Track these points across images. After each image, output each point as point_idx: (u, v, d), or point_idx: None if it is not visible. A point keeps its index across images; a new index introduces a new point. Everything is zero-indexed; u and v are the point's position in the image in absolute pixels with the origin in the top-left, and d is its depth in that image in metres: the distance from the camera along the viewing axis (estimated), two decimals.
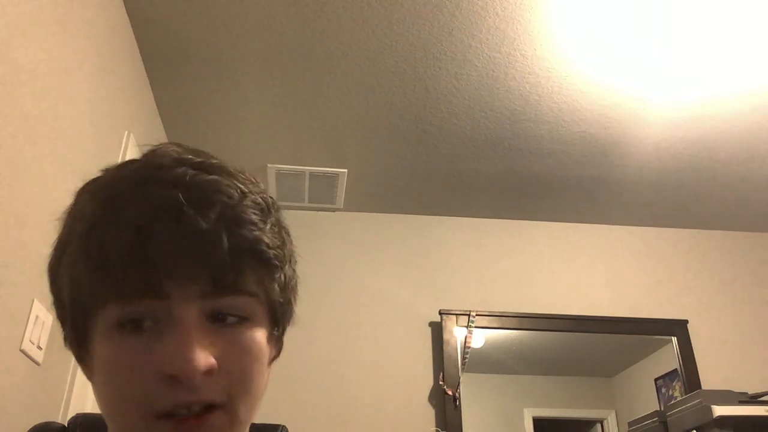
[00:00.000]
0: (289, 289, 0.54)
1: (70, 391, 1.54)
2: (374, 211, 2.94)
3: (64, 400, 1.52)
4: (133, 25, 1.92)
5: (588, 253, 2.96)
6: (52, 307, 0.53)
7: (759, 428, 2.03)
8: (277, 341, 0.55)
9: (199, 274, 0.47)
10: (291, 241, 0.55)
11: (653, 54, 2.04)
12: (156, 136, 2.30)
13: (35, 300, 1.30)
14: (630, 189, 2.76)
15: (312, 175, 2.65)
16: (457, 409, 2.52)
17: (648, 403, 2.78)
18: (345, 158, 2.58)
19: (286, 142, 2.48)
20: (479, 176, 2.68)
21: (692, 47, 2.01)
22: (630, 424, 2.48)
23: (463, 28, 1.96)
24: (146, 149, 0.53)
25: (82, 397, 1.59)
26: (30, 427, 0.60)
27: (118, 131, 1.85)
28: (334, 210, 2.92)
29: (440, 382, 2.57)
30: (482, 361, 2.69)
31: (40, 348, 1.33)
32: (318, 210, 2.90)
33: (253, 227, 0.49)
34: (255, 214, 0.50)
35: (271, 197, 0.53)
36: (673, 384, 2.73)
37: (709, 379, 2.68)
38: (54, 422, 0.62)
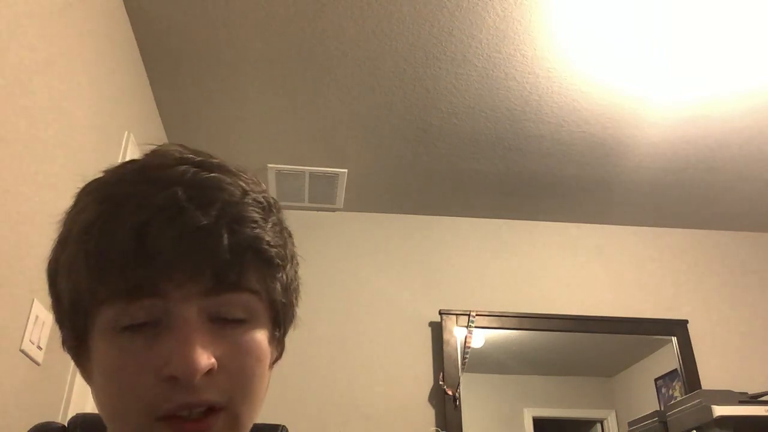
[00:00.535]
0: (290, 290, 0.54)
1: (70, 391, 1.54)
2: (374, 211, 2.94)
3: (64, 400, 1.52)
4: (133, 25, 1.92)
5: (588, 253, 2.96)
6: (52, 309, 0.53)
7: (759, 428, 2.03)
8: (278, 343, 0.54)
9: (200, 271, 0.46)
10: (293, 243, 0.54)
11: (653, 54, 2.04)
12: (156, 136, 2.30)
13: (35, 300, 1.30)
14: (630, 189, 2.76)
15: (312, 175, 2.65)
16: (457, 409, 2.52)
17: (648, 403, 2.78)
18: (345, 158, 2.58)
19: (286, 142, 2.47)
20: (479, 176, 2.68)
21: (692, 47, 2.01)
22: (630, 424, 2.48)
23: (463, 28, 1.96)
24: (148, 150, 0.53)
25: (82, 397, 1.59)
26: (30, 427, 0.59)
27: (118, 131, 1.85)
28: (334, 210, 2.92)
29: (440, 382, 2.57)
30: (482, 361, 2.69)
31: (40, 348, 1.33)
32: (318, 210, 2.90)
33: (254, 225, 0.48)
34: (256, 212, 0.49)
35: (272, 197, 0.53)
36: (673, 384, 2.73)
37: (709, 379, 2.68)
38: (54, 422, 0.62)
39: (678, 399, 2.45)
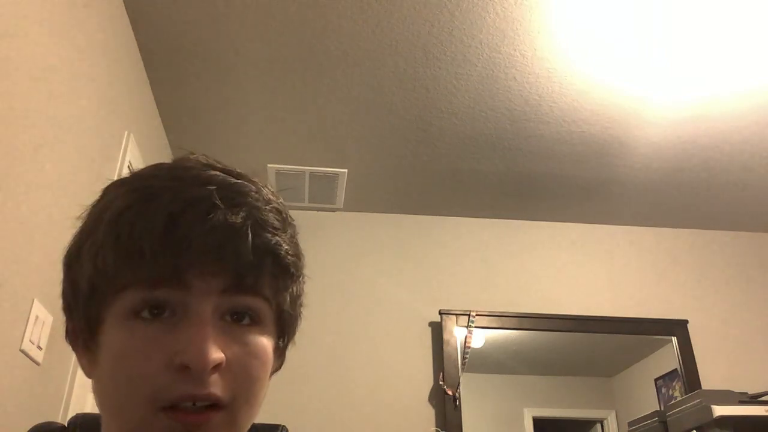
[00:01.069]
0: (297, 303, 0.56)
1: (70, 391, 1.54)
2: (374, 211, 2.94)
3: (64, 400, 1.52)
4: (133, 25, 1.92)
5: (588, 253, 2.96)
6: (62, 296, 0.54)
7: (759, 428, 2.03)
8: (280, 354, 0.56)
9: (222, 269, 0.48)
10: (303, 259, 0.56)
11: (653, 54, 2.04)
12: (156, 136, 2.30)
13: (35, 300, 1.30)
14: (630, 189, 2.76)
15: (312, 175, 2.65)
16: (457, 409, 2.52)
17: (648, 403, 2.78)
18: (345, 158, 2.58)
19: (286, 142, 2.47)
20: (479, 176, 2.68)
21: (692, 47, 2.01)
22: (630, 424, 2.48)
23: (463, 28, 1.96)
24: (174, 158, 0.56)
25: (82, 397, 1.59)
26: (30, 427, 0.59)
27: (118, 131, 1.85)
28: (334, 210, 2.92)
29: (440, 382, 2.57)
30: (482, 361, 2.69)
31: (40, 348, 1.33)
32: (318, 210, 2.90)
33: (275, 231, 0.51)
34: (277, 220, 0.52)
35: (288, 212, 0.55)
36: (673, 384, 2.73)
37: (709, 379, 2.68)
38: (54, 422, 0.62)
39: (678, 399, 2.45)
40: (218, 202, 0.48)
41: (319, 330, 2.63)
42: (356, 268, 2.81)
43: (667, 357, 2.77)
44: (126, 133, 1.90)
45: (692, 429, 2.09)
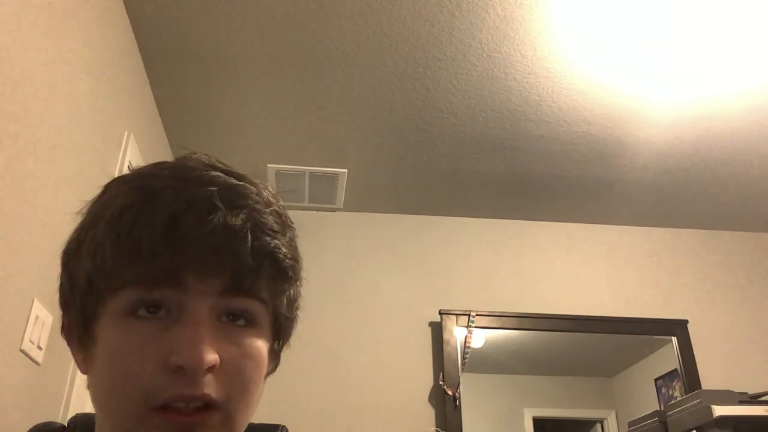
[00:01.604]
0: (294, 307, 0.56)
1: (70, 391, 1.54)
2: (374, 211, 2.94)
3: (64, 400, 1.52)
4: (133, 25, 1.92)
5: (588, 253, 2.96)
6: (59, 291, 0.54)
7: (759, 428, 2.03)
8: (275, 356, 0.56)
9: (221, 270, 0.48)
10: (301, 263, 0.56)
11: (653, 54, 2.04)
12: (156, 136, 2.30)
13: (35, 300, 1.30)
14: (630, 189, 2.76)
15: (312, 175, 2.65)
16: (457, 409, 2.52)
17: (648, 403, 2.78)
18: (345, 158, 2.58)
19: (286, 142, 2.47)
20: (479, 176, 2.68)
21: (692, 47, 2.01)
22: (630, 424, 2.48)
23: (463, 28, 1.96)
24: (176, 157, 0.56)
25: (82, 397, 1.59)
26: (30, 427, 0.59)
27: (118, 131, 1.85)
28: (334, 210, 2.92)
29: (440, 382, 2.57)
30: (482, 361, 2.69)
31: (40, 348, 1.33)
32: (318, 210, 2.90)
33: (274, 234, 0.51)
34: (276, 223, 0.52)
35: (288, 215, 0.55)
36: (673, 384, 2.73)
37: (709, 379, 2.68)
38: (54, 422, 0.62)
39: (678, 399, 2.45)
40: (219, 203, 0.48)
41: (319, 330, 2.63)
42: (356, 268, 2.81)
43: (667, 357, 2.77)
44: (126, 133, 1.90)
45: (692, 429, 2.09)
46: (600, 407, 2.86)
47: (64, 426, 0.62)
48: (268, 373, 0.55)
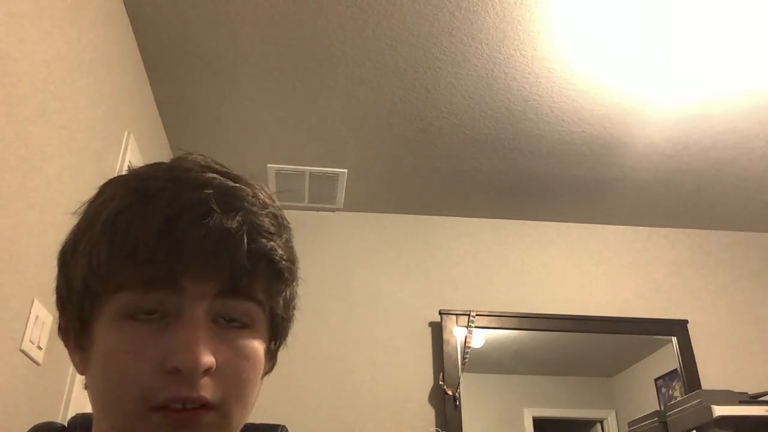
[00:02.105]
0: (290, 307, 0.56)
1: (70, 391, 1.54)
2: (374, 211, 2.94)
3: (64, 400, 1.52)
4: (133, 25, 1.92)
5: (588, 253, 2.96)
6: (56, 291, 0.54)
7: (759, 428, 2.03)
8: (272, 356, 0.56)
9: (217, 273, 0.48)
10: (298, 263, 0.56)
11: (653, 54, 2.04)
12: (156, 136, 2.30)
13: (35, 300, 1.30)
14: (630, 189, 2.76)
15: (312, 175, 2.65)
16: (457, 409, 2.52)
17: (648, 403, 2.78)
18: (345, 158, 2.58)
19: (286, 142, 2.48)
20: (479, 176, 2.68)
21: (692, 47, 2.01)
22: (630, 424, 2.48)
23: (463, 28, 1.96)
24: (172, 157, 0.56)
25: (82, 397, 1.59)
26: (30, 427, 0.59)
27: (118, 131, 1.85)
28: (334, 210, 2.92)
29: (440, 382, 2.57)
30: (482, 361, 2.69)
31: (40, 348, 1.33)
32: (318, 210, 2.90)
33: (270, 236, 0.51)
34: (272, 225, 0.52)
35: (284, 216, 0.55)
36: (673, 384, 2.73)
37: (709, 379, 2.68)
38: (54, 422, 0.62)
39: (678, 399, 2.45)
40: (215, 206, 0.48)
41: (318, 330, 2.63)
42: (356, 268, 2.81)
43: (667, 357, 2.77)
44: (126, 133, 1.90)
45: (692, 429, 2.09)
46: (600, 407, 2.86)
47: (65, 426, 0.62)
48: (265, 373, 0.55)
